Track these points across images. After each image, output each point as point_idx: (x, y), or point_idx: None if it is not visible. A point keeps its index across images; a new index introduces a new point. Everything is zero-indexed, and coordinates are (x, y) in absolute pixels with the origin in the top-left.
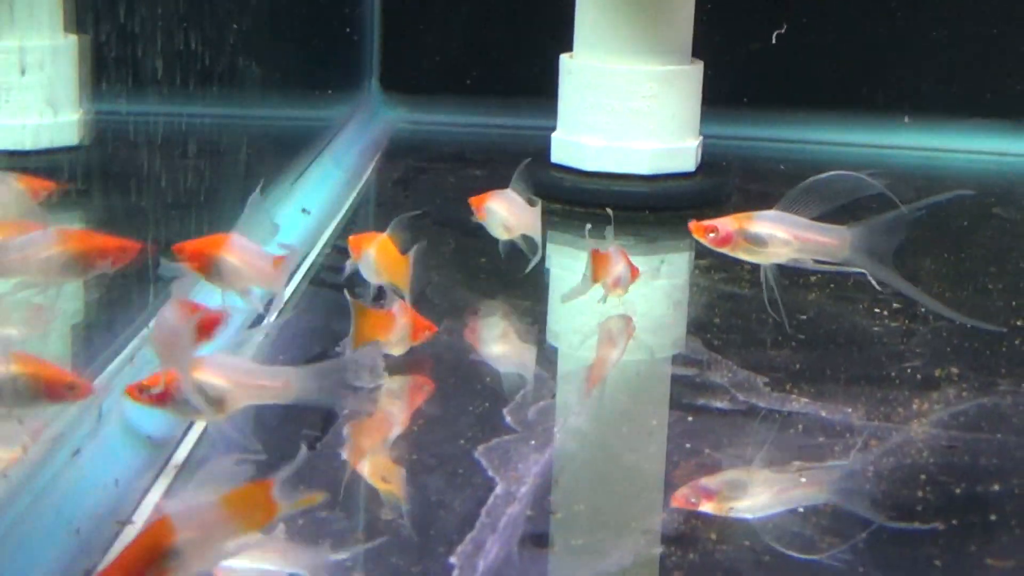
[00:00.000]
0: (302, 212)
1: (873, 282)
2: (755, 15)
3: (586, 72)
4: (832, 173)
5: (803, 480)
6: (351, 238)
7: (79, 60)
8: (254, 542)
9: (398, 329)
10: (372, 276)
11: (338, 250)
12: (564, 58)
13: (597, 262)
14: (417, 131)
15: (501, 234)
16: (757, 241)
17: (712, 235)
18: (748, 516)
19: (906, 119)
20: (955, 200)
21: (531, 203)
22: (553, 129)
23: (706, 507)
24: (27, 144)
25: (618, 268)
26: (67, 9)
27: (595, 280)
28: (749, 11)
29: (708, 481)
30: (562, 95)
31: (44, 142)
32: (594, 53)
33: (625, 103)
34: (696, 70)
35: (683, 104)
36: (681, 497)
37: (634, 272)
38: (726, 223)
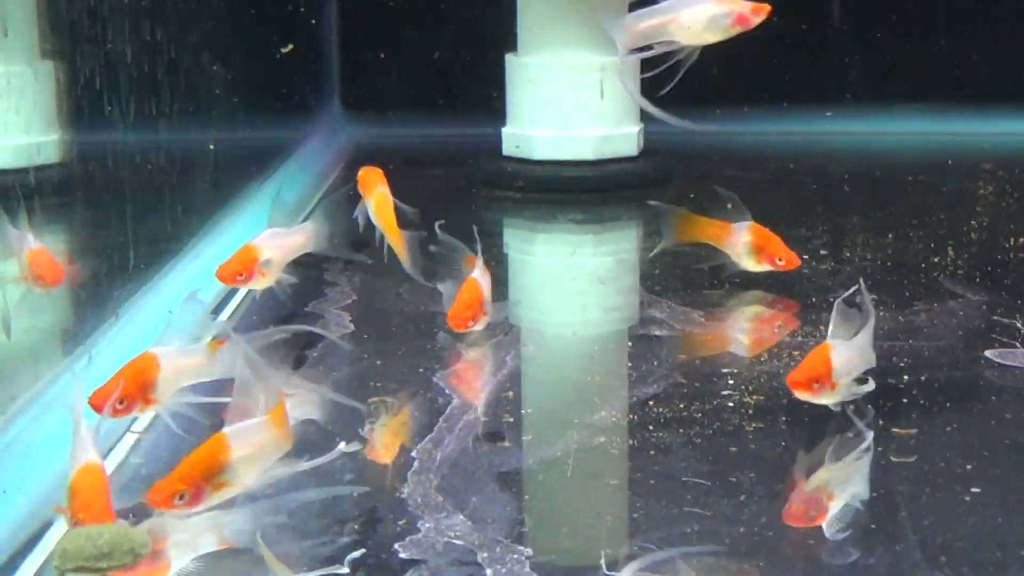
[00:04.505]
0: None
1: None
2: None
3: (531, 68)
4: None
5: None
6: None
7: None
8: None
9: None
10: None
11: None
12: (510, 57)
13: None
14: (378, 143)
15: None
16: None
17: None
18: None
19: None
20: None
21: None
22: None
23: None
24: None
25: None
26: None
27: None
28: None
29: None
30: (510, 91)
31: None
32: (537, 50)
33: (570, 94)
34: (633, 61)
35: (623, 93)
36: None
37: None
38: None
